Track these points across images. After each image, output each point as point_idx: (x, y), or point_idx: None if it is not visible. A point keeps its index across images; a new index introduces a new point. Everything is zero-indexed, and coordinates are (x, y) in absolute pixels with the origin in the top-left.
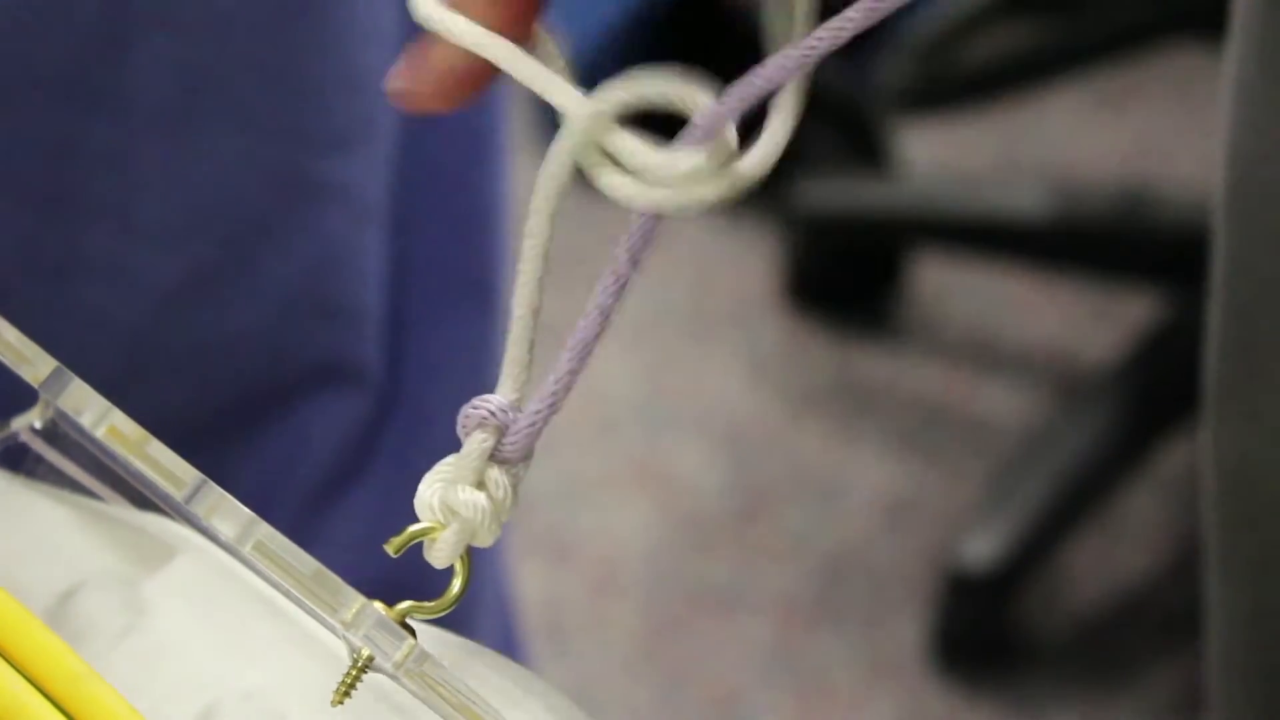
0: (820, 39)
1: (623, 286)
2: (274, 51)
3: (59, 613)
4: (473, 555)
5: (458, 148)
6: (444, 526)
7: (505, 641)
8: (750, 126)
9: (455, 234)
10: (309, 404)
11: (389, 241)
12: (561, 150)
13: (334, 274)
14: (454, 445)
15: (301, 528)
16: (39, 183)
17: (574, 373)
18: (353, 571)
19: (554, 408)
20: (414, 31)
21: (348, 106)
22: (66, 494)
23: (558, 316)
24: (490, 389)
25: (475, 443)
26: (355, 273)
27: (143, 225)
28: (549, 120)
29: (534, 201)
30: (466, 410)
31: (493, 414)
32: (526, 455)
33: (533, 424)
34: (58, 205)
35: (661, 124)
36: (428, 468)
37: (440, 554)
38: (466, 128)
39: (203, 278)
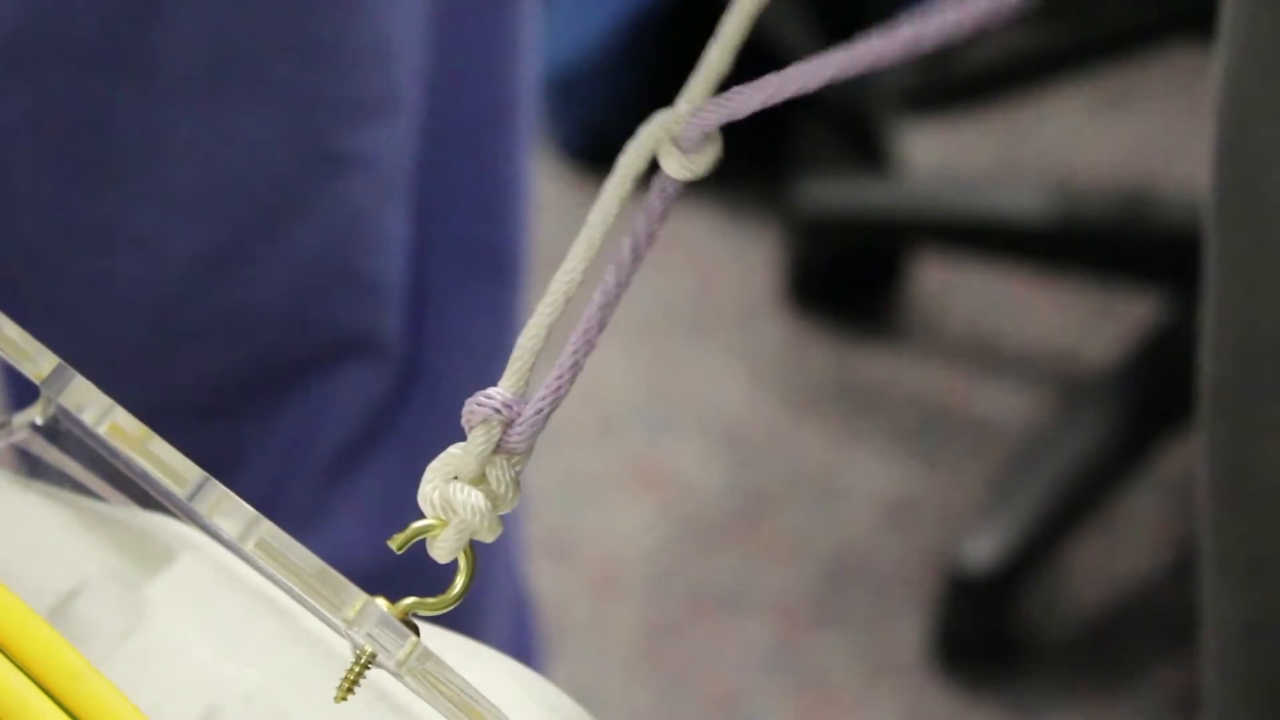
0: (829, 64)
1: (629, 273)
2: (301, 22)
3: (61, 613)
4: (481, 554)
5: (481, 124)
6: (444, 524)
7: (518, 641)
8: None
9: (477, 210)
10: (330, 375)
11: (412, 215)
12: (646, 138)
13: (358, 246)
14: None
15: (320, 497)
16: (69, 150)
17: (580, 359)
18: (368, 543)
19: (560, 395)
20: (438, 4)
21: (373, 78)
22: (68, 494)
23: (559, 316)
24: (507, 366)
25: (480, 437)
26: (379, 245)
27: (170, 194)
28: (559, 108)
29: (608, 186)
30: (471, 405)
31: (498, 410)
32: (531, 444)
33: (539, 412)
34: (88, 173)
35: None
36: (446, 441)
37: (442, 550)
38: (490, 104)
39: (229, 247)
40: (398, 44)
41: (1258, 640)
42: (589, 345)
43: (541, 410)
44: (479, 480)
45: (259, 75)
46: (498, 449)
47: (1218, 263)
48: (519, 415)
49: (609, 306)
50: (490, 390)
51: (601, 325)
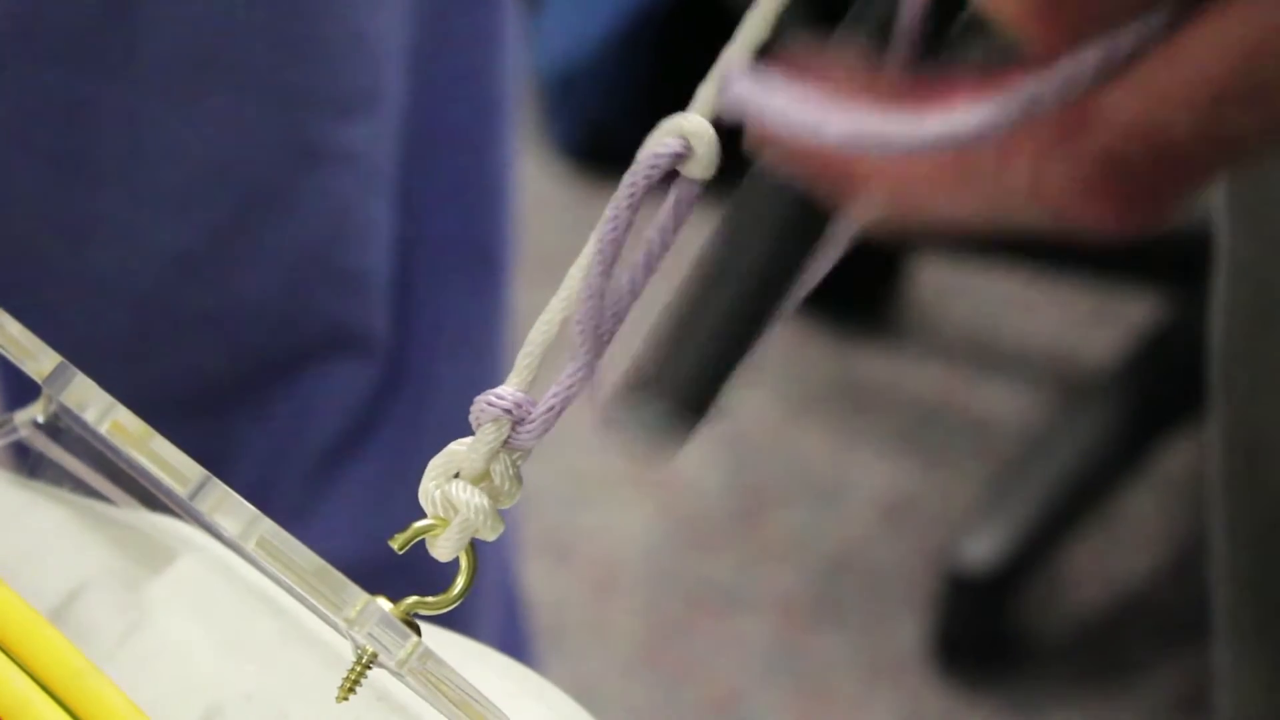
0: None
1: (646, 276)
2: (282, 16)
3: (63, 614)
4: (477, 551)
5: (466, 119)
6: (445, 523)
7: (509, 639)
8: None
9: (462, 205)
10: (317, 371)
11: (396, 210)
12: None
13: (342, 241)
14: (459, 414)
15: (308, 493)
16: (52, 144)
17: (594, 360)
18: (357, 537)
19: (573, 394)
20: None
21: (355, 72)
22: (69, 495)
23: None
24: (495, 359)
25: (488, 434)
26: (363, 240)
27: (152, 189)
28: (559, 108)
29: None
30: (481, 404)
31: (509, 410)
32: (537, 442)
33: (551, 409)
34: (70, 167)
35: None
36: (434, 434)
37: (444, 550)
38: (474, 99)
39: (211, 242)
40: (381, 39)
41: (1268, 596)
42: (603, 345)
43: (553, 408)
44: (481, 477)
45: (241, 70)
46: (504, 446)
47: (1230, 224)
48: (529, 413)
49: (624, 308)
50: (501, 390)
51: (616, 324)
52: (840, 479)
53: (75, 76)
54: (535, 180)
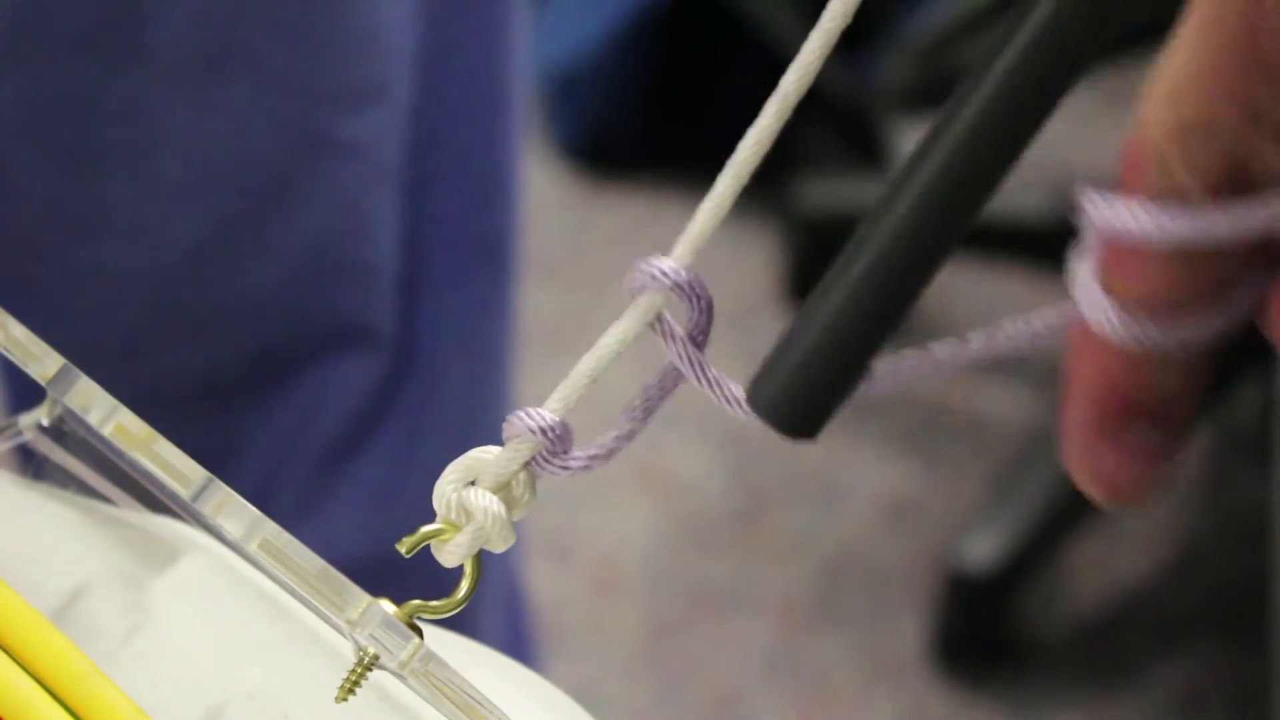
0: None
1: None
2: (291, 8)
3: (66, 613)
4: (482, 555)
5: (472, 112)
6: (456, 528)
7: (512, 640)
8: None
9: (469, 198)
10: (323, 364)
11: (403, 203)
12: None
13: (349, 234)
14: (464, 409)
15: (314, 488)
16: (61, 137)
17: (637, 429)
18: (362, 532)
19: (614, 454)
20: None
21: (363, 64)
22: (72, 495)
23: (558, 316)
24: (500, 355)
25: (521, 449)
26: (370, 233)
27: (161, 182)
28: (559, 108)
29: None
30: (520, 414)
31: (543, 430)
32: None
33: (586, 453)
34: (79, 160)
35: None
36: (439, 430)
37: (451, 556)
38: (481, 92)
39: (220, 235)
40: (389, 31)
41: None
42: (648, 413)
43: (588, 453)
44: (500, 488)
45: (250, 62)
46: (531, 464)
47: None
48: (562, 436)
49: (664, 394)
50: (543, 410)
51: (662, 397)
52: (840, 479)
53: (83, 69)
54: (535, 180)
